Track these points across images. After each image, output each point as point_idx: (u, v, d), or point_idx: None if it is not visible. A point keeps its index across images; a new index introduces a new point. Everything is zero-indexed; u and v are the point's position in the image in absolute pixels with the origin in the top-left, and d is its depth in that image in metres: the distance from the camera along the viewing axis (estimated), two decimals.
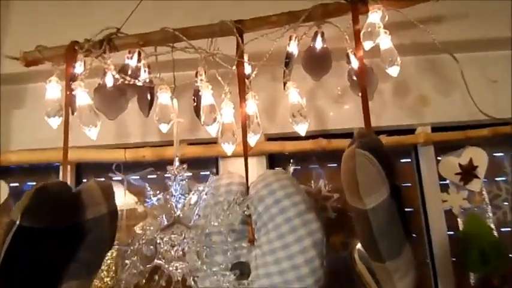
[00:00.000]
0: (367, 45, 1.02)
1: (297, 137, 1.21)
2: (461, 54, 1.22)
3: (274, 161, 1.34)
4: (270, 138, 1.29)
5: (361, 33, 1.02)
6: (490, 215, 1.27)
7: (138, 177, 1.25)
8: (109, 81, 0.92)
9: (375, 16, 1.02)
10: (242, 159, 1.23)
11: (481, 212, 1.28)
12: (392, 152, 1.29)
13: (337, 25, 1.07)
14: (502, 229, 1.28)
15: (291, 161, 1.32)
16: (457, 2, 1.23)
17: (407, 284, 0.92)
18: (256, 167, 1.24)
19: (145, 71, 0.99)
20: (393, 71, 1.04)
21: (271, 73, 1.14)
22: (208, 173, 1.34)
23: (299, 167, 1.34)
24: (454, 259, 1.24)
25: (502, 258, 1.19)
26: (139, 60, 1.00)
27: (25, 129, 1.31)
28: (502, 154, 1.36)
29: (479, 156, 1.27)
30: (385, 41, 1.04)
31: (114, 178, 1.21)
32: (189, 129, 1.23)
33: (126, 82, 0.94)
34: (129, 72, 0.97)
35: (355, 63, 1.08)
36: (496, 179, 1.33)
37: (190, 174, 0.92)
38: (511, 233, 1.29)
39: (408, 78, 1.30)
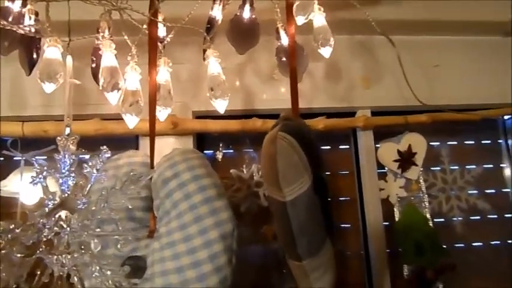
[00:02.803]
0: (299, 20, 0.93)
1: (228, 116, 1.11)
2: (398, 37, 1.16)
3: (204, 142, 1.23)
4: (199, 116, 1.17)
5: (294, 7, 0.93)
6: (427, 204, 1.24)
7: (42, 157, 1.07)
8: None
9: None
10: (166, 138, 1.12)
11: (418, 201, 1.24)
12: (330, 138, 1.25)
13: None
14: (436, 219, 1.26)
15: (222, 143, 1.22)
16: None
17: (326, 283, 0.86)
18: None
19: (30, 18, 0.80)
20: (326, 51, 0.96)
21: (199, 44, 1.01)
22: None
23: (231, 150, 1.23)
24: (388, 250, 1.20)
25: (437, 249, 1.16)
26: (24, 5, 0.81)
27: None
28: (438, 143, 1.34)
29: (418, 143, 1.23)
30: (319, 18, 0.96)
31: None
32: (104, 104, 1.07)
33: (1, 27, 0.76)
34: (10, 19, 0.78)
35: (285, 40, 1.00)
36: (432, 168, 1.31)
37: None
38: (444, 224, 1.27)
39: (342, 59, 1.25)
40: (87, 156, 0.73)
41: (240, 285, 0.84)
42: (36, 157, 1.07)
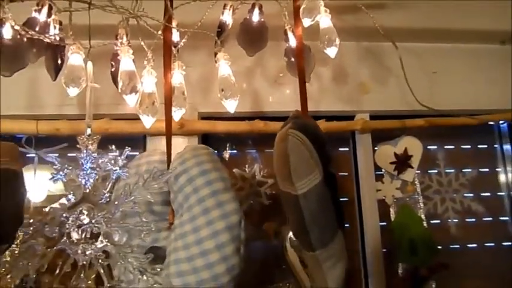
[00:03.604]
0: (306, 22, 0.96)
1: (233, 118, 1.15)
2: (402, 44, 1.21)
3: (209, 142, 1.26)
4: (205, 117, 1.21)
5: (301, 9, 0.96)
6: (421, 205, 1.28)
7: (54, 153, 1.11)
8: (6, 33, 0.78)
9: None
10: (174, 138, 1.15)
11: (413, 202, 1.28)
12: (330, 140, 1.28)
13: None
14: (432, 221, 1.30)
15: (228, 144, 1.27)
16: None
17: (337, 273, 0.88)
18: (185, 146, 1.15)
19: (55, 27, 0.86)
20: (331, 51, 0.99)
21: (208, 48, 1.06)
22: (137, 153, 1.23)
23: (234, 151, 1.28)
24: (384, 250, 1.23)
25: (430, 249, 1.19)
26: (49, 15, 0.87)
27: None
28: (435, 147, 1.38)
29: (414, 146, 1.27)
30: (325, 20, 0.99)
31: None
32: (115, 104, 1.12)
33: (29, 37, 0.81)
34: (37, 28, 0.83)
35: (293, 42, 1.03)
36: (429, 171, 1.34)
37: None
38: (440, 225, 1.31)
39: (348, 64, 1.28)
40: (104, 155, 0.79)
41: (242, 280, 0.88)
42: (49, 154, 1.13)
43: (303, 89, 0.96)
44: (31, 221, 0.80)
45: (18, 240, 0.80)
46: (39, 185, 1.10)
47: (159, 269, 0.78)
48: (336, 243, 0.87)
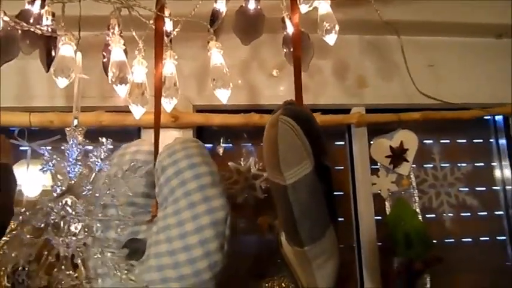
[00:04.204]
0: (303, 8, 0.94)
1: (228, 111, 1.14)
2: (404, 37, 1.21)
3: (203, 136, 1.25)
4: (200, 110, 1.20)
5: None
6: (417, 199, 1.28)
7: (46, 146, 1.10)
8: None
9: None
10: (168, 131, 1.15)
11: (408, 196, 1.28)
12: (326, 134, 1.27)
13: None
14: (427, 215, 1.30)
15: (223, 137, 1.26)
16: None
17: (328, 271, 0.84)
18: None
19: (47, 18, 0.85)
20: (330, 38, 0.95)
21: (203, 40, 1.04)
22: None
23: (230, 144, 1.27)
24: (380, 243, 1.23)
25: (425, 243, 1.19)
26: (42, 6, 0.85)
27: None
28: (431, 141, 1.37)
29: (410, 140, 1.26)
30: (324, 5, 0.95)
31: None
32: (111, 96, 1.11)
33: (23, 28, 0.80)
34: (31, 20, 0.82)
35: (291, 29, 0.99)
36: (424, 165, 1.34)
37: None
38: (435, 219, 1.31)
39: (347, 57, 1.28)
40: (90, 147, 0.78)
41: (236, 274, 0.86)
42: (42, 146, 1.11)
43: (298, 78, 0.93)
44: (21, 210, 0.79)
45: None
46: (32, 178, 1.09)
47: (132, 265, 0.76)
48: (328, 238, 0.83)
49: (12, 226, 0.79)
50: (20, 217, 0.76)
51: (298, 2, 0.94)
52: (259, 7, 0.98)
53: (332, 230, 0.85)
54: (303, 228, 0.79)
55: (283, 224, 0.85)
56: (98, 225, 0.73)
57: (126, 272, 0.75)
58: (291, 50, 1.01)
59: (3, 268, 0.75)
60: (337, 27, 0.95)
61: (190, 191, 0.81)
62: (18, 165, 1.09)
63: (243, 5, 0.98)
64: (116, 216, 0.76)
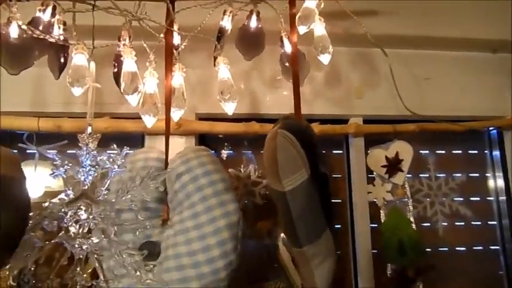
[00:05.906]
0: (301, 29, 1.00)
1: (229, 119, 1.18)
2: (394, 50, 1.25)
3: (206, 143, 1.28)
4: (202, 118, 1.24)
5: (297, 17, 1.01)
6: (411, 208, 1.31)
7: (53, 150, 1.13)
8: (14, 32, 0.81)
9: (311, 1, 1.01)
10: (172, 138, 1.17)
11: (403, 205, 1.31)
12: (325, 143, 1.32)
13: (274, 6, 1.03)
14: (421, 224, 1.32)
15: (225, 144, 1.30)
16: None
17: (325, 271, 0.91)
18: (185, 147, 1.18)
19: (59, 27, 0.89)
20: (325, 58, 1.03)
21: (207, 51, 1.08)
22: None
23: (231, 151, 1.31)
24: (374, 251, 1.26)
25: (418, 250, 1.22)
26: (53, 15, 0.89)
27: None
28: (426, 151, 1.40)
29: (405, 150, 1.29)
30: (319, 28, 1.03)
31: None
32: (117, 103, 1.15)
33: (35, 36, 0.83)
34: (41, 28, 0.86)
35: (288, 48, 1.06)
36: (420, 175, 1.37)
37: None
38: (429, 228, 1.34)
39: (342, 69, 1.31)
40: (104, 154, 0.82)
41: (235, 277, 0.91)
42: (48, 151, 1.15)
43: (297, 93, 1.00)
44: (30, 214, 0.82)
45: None
46: (37, 180, 1.12)
47: (152, 266, 0.81)
48: (324, 240, 0.90)
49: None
50: (31, 221, 0.80)
51: (296, 24, 1.00)
52: (260, 25, 1.04)
53: (328, 233, 0.92)
54: (300, 230, 0.86)
55: (284, 227, 0.93)
56: (115, 228, 0.78)
57: (147, 272, 0.79)
58: (286, 65, 1.09)
59: (12, 270, 0.79)
60: (331, 48, 1.02)
61: (207, 196, 0.88)
62: (24, 165, 1.12)
63: (245, 23, 1.04)
64: (133, 220, 0.82)
